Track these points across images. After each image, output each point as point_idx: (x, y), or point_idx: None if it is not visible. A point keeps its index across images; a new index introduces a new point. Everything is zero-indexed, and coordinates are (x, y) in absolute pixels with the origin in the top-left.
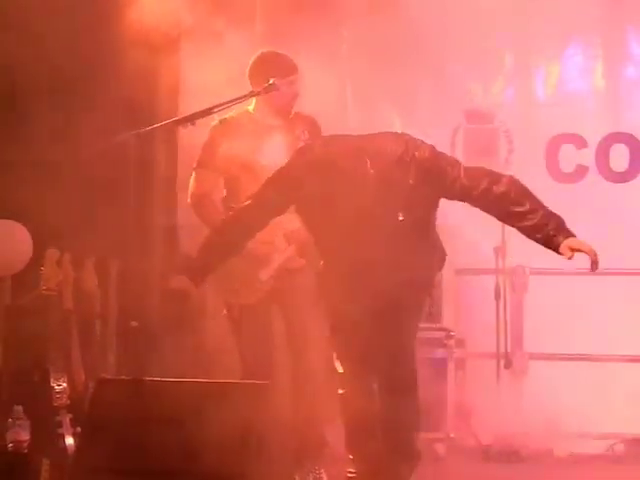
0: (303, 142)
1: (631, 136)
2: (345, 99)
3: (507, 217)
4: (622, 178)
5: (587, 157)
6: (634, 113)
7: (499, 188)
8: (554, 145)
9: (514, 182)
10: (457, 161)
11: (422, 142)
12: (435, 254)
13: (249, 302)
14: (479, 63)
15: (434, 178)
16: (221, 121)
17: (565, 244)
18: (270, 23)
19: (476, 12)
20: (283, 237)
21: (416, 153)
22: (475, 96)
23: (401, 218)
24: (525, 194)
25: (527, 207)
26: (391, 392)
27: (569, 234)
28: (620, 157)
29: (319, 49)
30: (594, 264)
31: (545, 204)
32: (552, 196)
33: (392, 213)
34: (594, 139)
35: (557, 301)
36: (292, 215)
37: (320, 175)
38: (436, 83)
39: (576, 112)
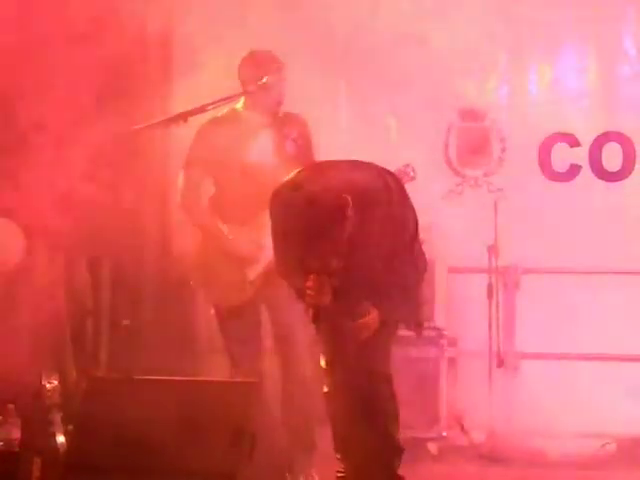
0: (291, 141)
1: (624, 135)
2: (338, 99)
3: None
4: (615, 177)
5: (580, 156)
6: (627, 112)
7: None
8: (547, 144)
9: None
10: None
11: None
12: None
13: (236, 303)
14: (472, 61)
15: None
16: (209, 120)
17: None
18: (262, 22)
19: (469, 10)
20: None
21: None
22: (468, 95)
23: None
24: None
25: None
26: (368, 386)
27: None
28: (613, 156)
29: (312, 49)
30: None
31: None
32: (545, 195)
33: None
34: (587, 138)
35: (549, 300)
36: None
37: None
38: (429, 81)
39: (569, 111)
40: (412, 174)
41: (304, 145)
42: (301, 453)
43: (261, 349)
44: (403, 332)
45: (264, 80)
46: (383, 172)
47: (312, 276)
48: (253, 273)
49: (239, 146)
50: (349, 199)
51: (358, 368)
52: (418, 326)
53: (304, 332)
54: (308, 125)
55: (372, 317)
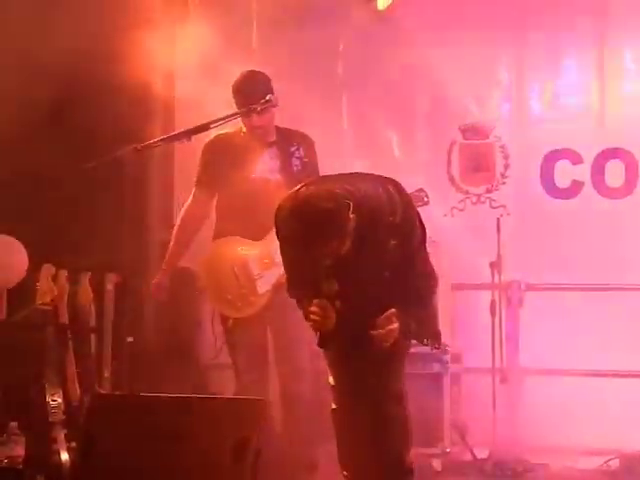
0: (297, 159)
1: (627, 152)
2: (341, 117)
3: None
4: (618, 194)
5: (583, 173)
6: (630, 129)
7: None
8: (550, 161)
9: None
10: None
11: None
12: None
13: (243, 315)
14: (475, 79)
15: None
16: (215, 137)
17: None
18: (266, 41)
19: (472, 28)
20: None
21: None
22: (471, 112)
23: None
24: None
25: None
26: (378, 405)
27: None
28: (616, 173)
29: (316, 67)
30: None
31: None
32: (547, 211)
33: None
34: (590, 155)
35: (553, 316)
36: None
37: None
38: (432, 99)
39: (572, 128)
40: (426, 199)
41: (310, 163)
42: (302, 470)
43: (267, 363)
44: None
45: (267, 97)
46: (386, 182)
47: (315, 301)
48: (263, 287)
49: (244, 163)
50: (350, 203)
51: (369, 386)
52: (435, 339)
53: (306, 348)
54: (314, 144)
55: (394, 327)
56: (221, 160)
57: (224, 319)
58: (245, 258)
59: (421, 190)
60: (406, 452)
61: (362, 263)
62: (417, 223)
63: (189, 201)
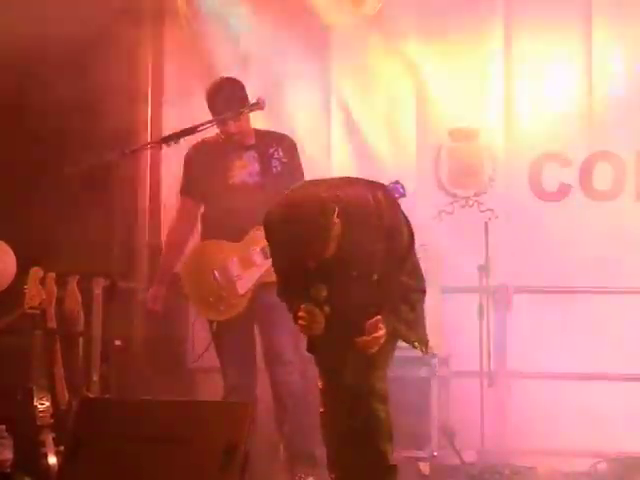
0: (277, 160)
1: (615, 155)
2: (329, 118)
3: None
4: (606, 197)
5: (571, 176)
6: (618, 132)
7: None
8: (538, 164)
9: None
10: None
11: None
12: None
13: (226, 317)
14: (463, 81)
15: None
16: (193, 146)
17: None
18: (257, 39)
19: (460, 31)
20: (260, 251)
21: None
22: (459, 115)
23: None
24: None
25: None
26: (364, 405)
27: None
28: (604, 176)
29: (305, 67)
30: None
31: None
32: (535, 214)
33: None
34: (578, 158)
35: (541, 320)
36: None
37: None
38: (420, 101)
39: (560, 131)
40: (402, 190)
41: (289, 164)
42: (302, 467)
43: (256, 366)
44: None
45: (254, 101)
46: (373, 186)
47: (303, 306)
48: (243, 287)
49: (224, 169)
50: (335, 207)
51: (356, 388)
52: (423, 343)
53: (294, 348)
54: (295, 144)
55: (381, 334)
56: (202, 168)
57: (210, 323)
58: (224, 260)
59: (396, 182)
60: (390, 451)
61: (349, 266)
62: (404, 227)
63: (176, 213)
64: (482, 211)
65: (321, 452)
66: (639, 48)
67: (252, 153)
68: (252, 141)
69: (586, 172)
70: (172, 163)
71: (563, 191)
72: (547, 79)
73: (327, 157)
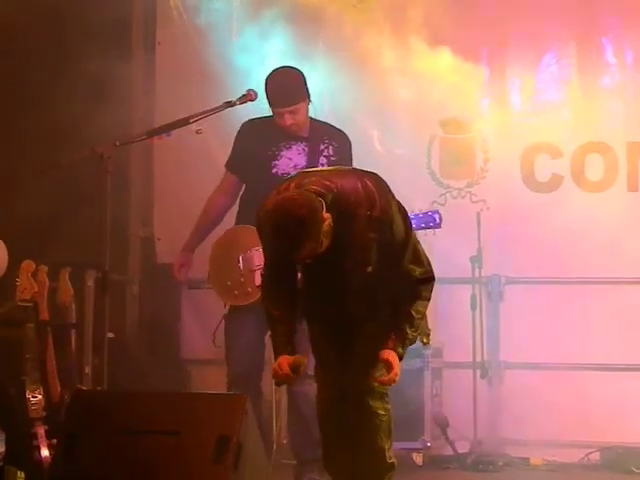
0: (325, 157)
1: (606, 145)
2: (322, 110)
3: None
4: (597, 187)
5: (562, 166)
6: (609, 123)
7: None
8: (529, 154)
9: None
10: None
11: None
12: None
13: (239, 303)
14: (455, 72)
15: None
16: (249, 122)
17: (386, 352)
18: (247, 34)
19: (452, 23)
20: None
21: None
22: (451, 106)
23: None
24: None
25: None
26: (364, 402)
27: (396, 348)
28: (595, 166)
29: (296, 59)
30: (388, 380)
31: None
32: (527, 205)
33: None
34: (569, 149)
35: (533, 310)
36: None
37: None
38: (412, 92)
39: (551, 122)
40: (437, 220)
41: (339, 162)
42: (308, 464)
43: (263, 360)
44: None
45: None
46: (365, 176)
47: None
48: (260, 279)
49: (271, 155)
50: (322, 202)
51: (355, 386)
52: (424, 334)
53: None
54: (349, 142)
55: (397, 371)
56: (250, 147)
57: (224, 305)
58: (250, 248)
59: (435, 211)
60: (388, 448)
61: (342, 258)
62: (398, 216)
63: (219, 184)
64: (474, 202)
65: None
66: (631, 39)
67: (302, 146)
68: (306, 133)
69: (578, 163)
70: (164, 155)
71: (555, 182)
72: (539, 70)
73: None
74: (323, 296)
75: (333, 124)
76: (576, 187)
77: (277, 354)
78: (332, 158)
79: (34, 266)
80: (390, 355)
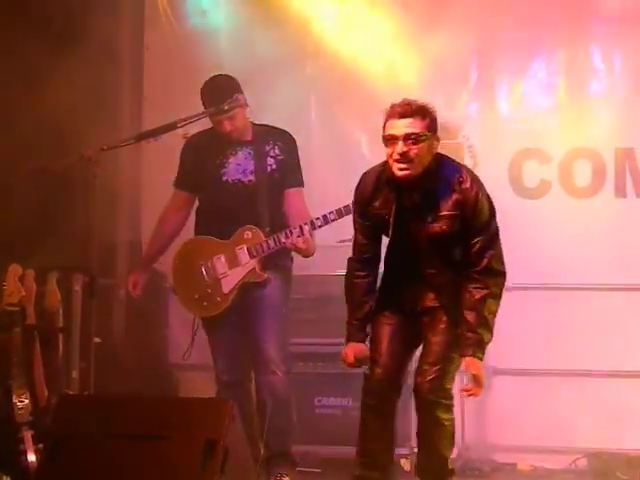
0: (272, 158)
1: (594, 151)
2: (309, 114)
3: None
4: (585, 193)
5: (550, 172)
6: (597, 128)
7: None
8: (518, 160)
9: None
10: None
11: None
12: None
13: (210, 315)
14: (443, 78)
15: None
16: (192, 137)
17: (469, 360)
18: (234, 42)
19: (440, 28)
20: (246, 251)
21: None
22: (439, 111)
23: None
24: None
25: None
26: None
27: (477, 354)
28: (583, 172)
29: (284, 64)
30: (471, 392)
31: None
32: (515, 211)
33: None
34: (557, 154)
35: (521, 316)
36: (254, 230)
37: None
38: (400, 97)
39: (540, 127)
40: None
41: (286, 161)
42: (279, 467)
43: (250, 363)
44: None
45: (233, 97)
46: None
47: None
48: (228, 286)
49: (218, 164)
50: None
51: (427, 399)
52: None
53: (278, 348)
54: (294, 140)
55: (482, 385)
56: (197, 162)
57: (194, 319)
58: (212, 257)
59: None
60: (450, 456)
61: (427, 216)
62: (485, 204)
63: (168, 203)
64: None
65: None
66: (619, 45)
67: (248, 150)
68: (249, 137)
69: (566, 169)
70: (152, 159)
71: (543, 187)
72: (527, 76)
73: (307, 154)
74: (404, 251)
75: (321, 130)
76: (564, 193)
77: (349, 339)
78: (279, 157)
79: (21, 270)
80: (476, 368)
